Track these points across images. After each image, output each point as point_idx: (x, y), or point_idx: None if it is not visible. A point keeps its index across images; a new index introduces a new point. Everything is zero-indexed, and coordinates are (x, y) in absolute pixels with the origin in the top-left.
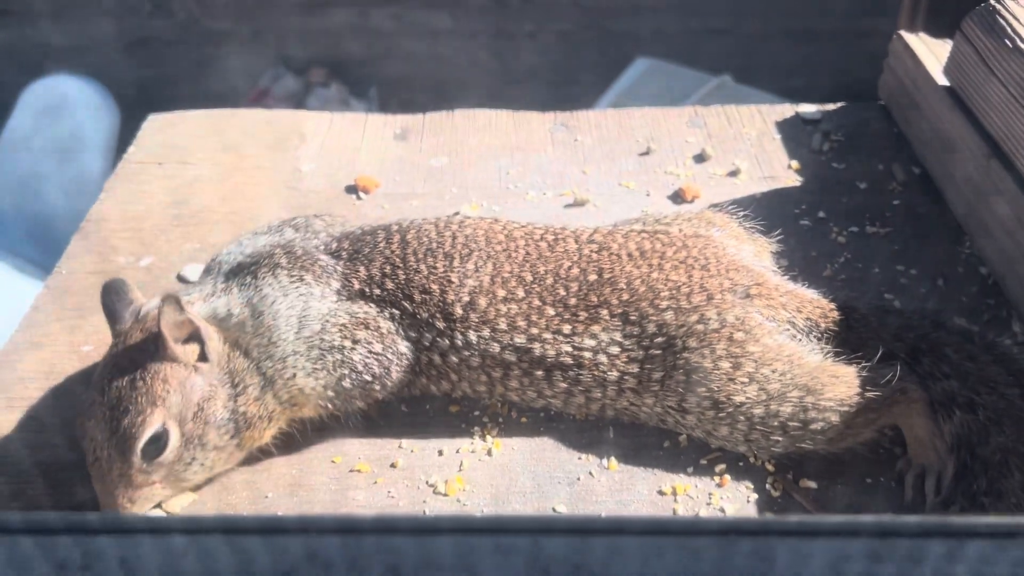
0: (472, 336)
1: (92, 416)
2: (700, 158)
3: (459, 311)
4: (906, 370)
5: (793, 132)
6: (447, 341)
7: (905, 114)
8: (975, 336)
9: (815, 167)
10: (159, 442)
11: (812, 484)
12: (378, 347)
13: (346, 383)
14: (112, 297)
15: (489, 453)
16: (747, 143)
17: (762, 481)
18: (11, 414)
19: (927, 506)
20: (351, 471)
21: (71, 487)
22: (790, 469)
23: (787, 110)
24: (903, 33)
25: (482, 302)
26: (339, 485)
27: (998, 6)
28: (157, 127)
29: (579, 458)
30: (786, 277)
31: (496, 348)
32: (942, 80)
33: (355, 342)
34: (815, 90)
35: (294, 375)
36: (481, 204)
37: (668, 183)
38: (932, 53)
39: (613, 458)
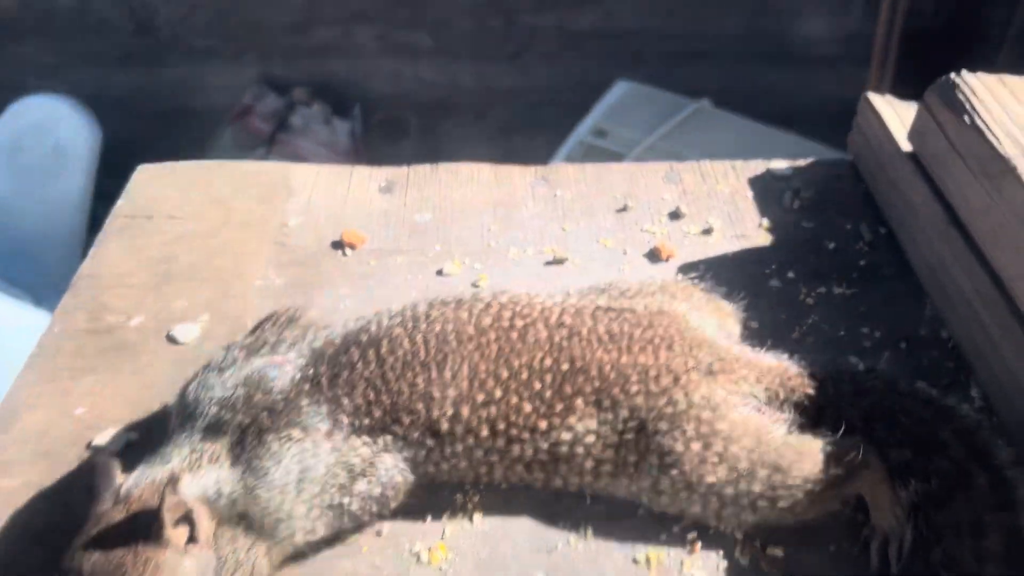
0: (459, 447)
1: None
2: (675, 215)
3: (445, 426)
4: (865, 440)
5: (765, 189)
6: (437, 454)
7: (872, 173)
8: (928, 397)
9: (785, 226)
10: None
11: (779, 552)
12: (377, 491)
13: (345, 523)
14: (99, 478)
15: (471, 520)
16: (720, 200)
17: (731, 549)
18: (3, 479)
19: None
20: (338, 541)
21: (64, 553)
22: (758, 537)
23: (759, 166)
24: (870, 95)
25: (464, 411)
26: (325, 553)
27: (958, 80)
28: (146, 179)
29: (558, 525)
30: (748, 344)
31: (480, 453)
32: (906, 145)
33: (353, 495)
34: (793, 115)
35: (293, 535)
36: (463, 261)
37: (644, 241)
38: (898, 116)
39: (590, 525)
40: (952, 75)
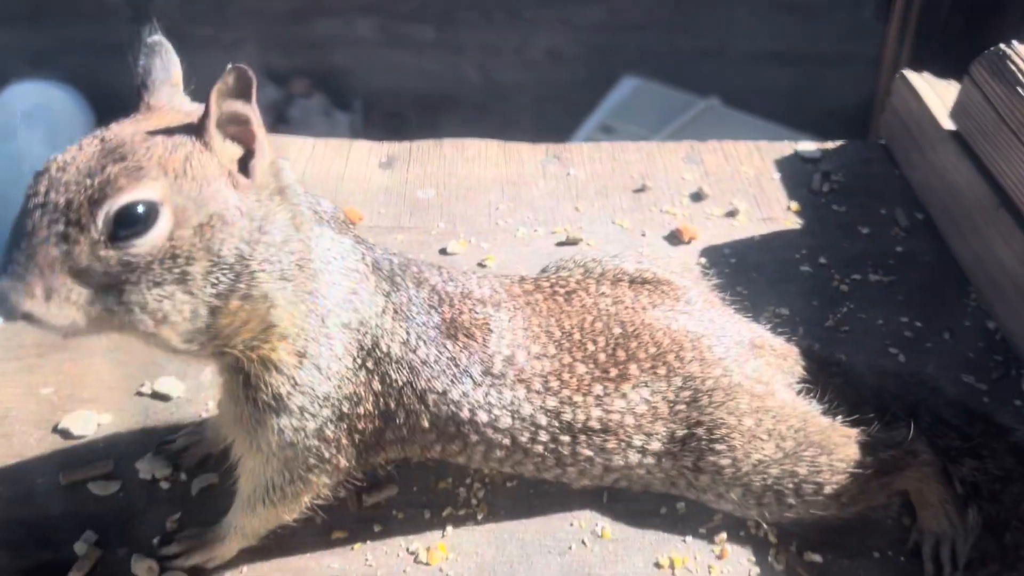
0: (507, 395)
1: (73, 152)
2: (697, 196)
3: (499, 365)
4: (915, 432)
5: (792, 171)
6: (479, 396)
7: (908, 156)
8: (976, 412)
9: (815, 209)
10: (144, 220)
11: (817, 558)
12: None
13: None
14: (153, 59)
15: (475, 517)
16: (745, 182)
17: (764, 553)
18: None
19: None
20: (331, 536)
21: (27, 546)
22: (793, 541)
23: (786, 148)
24: (906, 73)
25: (520, 356)
26: (315, 549)
27: (1008, 50)
28: None
29: (570, 524)
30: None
31: (528, 409)
32: (948, 124)
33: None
34: (802, 115)
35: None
36: (469, 240)
37: (664, 222)
38: (937, 94)
39: (607, 525)
40: (1002, 45)
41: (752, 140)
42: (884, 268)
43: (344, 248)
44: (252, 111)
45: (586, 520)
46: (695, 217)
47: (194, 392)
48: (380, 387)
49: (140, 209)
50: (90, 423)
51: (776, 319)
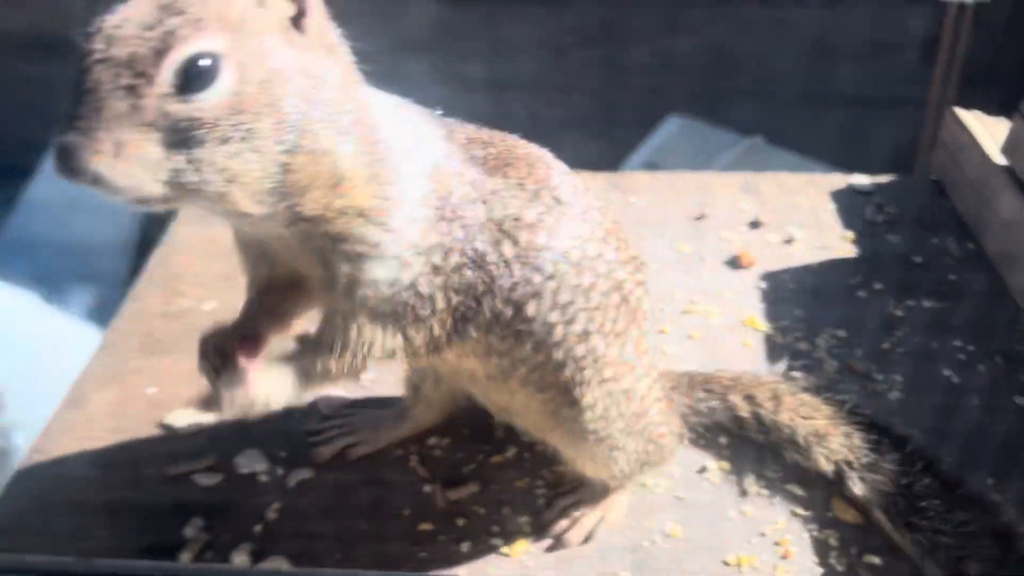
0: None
1: (125, 9)
2: (755, 224)
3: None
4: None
5: (846, 203)
6: (551, 218)
7: (959, 190)
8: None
9: (870, 239)
10: (209, 73)
11: (876, 560)
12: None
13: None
14: None
15: None
16: (801, 212)
17: (826, 555)
18: (78, 454)
19: None
20: (419, 528)
21: (136, 530)
22: (854, 544)
23: (839, 180)
24: (957, 110)
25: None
26: (405, 540)
27: None
28: None
29: (642, 523)
30: (837, 353)
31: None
32: (999, 159)
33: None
34: (846, 155)
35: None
36: None
37: (723, 249)
38: (987, 131)
39: (676, 524)
40: None
41: (806, 173)
42: (937, 295)
43: (396, 101)
44: None
45: (655, 520)
46: (753, 244)
47: None
48: (463, 234)
49: (205, 61)
50: (192, 420)
51: (834, 340)
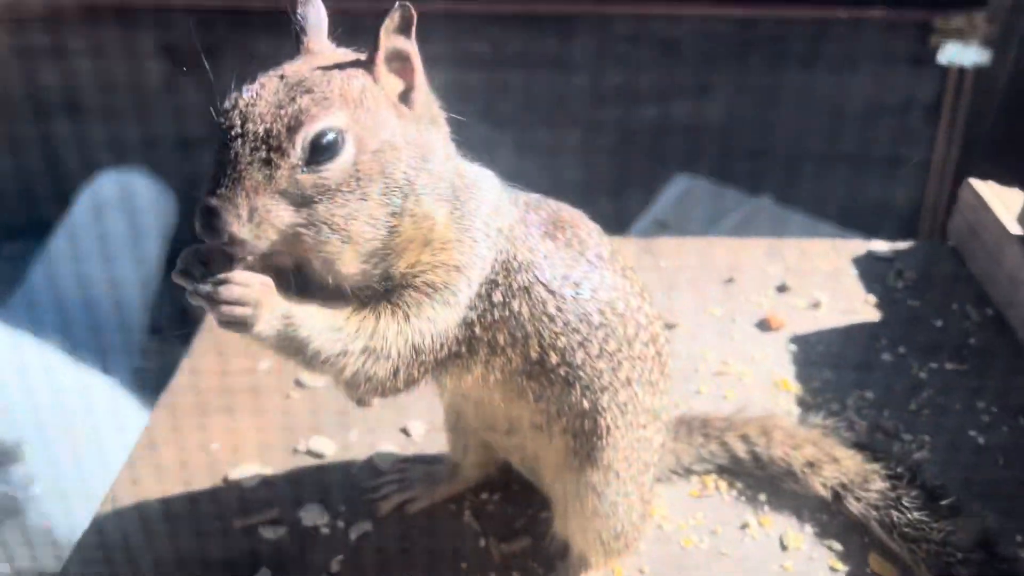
0: (610, 276)
1: (256, 88)
2: (781, 288)
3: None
4: None
5: (867, 268)
6: (596, 276)
7: (976, 258)
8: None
9: (891, 303)
10: (334, 146)
11: None
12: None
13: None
14: (308, 7)
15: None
16: (824, 276)
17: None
18: (147, 506)
19: None
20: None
21: None
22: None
23: (859, 247)
24: (973, 181)
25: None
26: None
27: None
28: None
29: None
30: (864, 413)
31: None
32: (1015, 229)
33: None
34: (852, 214)
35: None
36: None
37: (752, 311)
38: (1002, 201)
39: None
40: None
41: (827, 238)
42: (959, 358)
43: (483, 171)
44: (412, 47)
45: None
46: (781, 307)
47: (343, 451)
48: (520, 287)
49: (331, 136)
50: (255, 475)
51: (862, 402)
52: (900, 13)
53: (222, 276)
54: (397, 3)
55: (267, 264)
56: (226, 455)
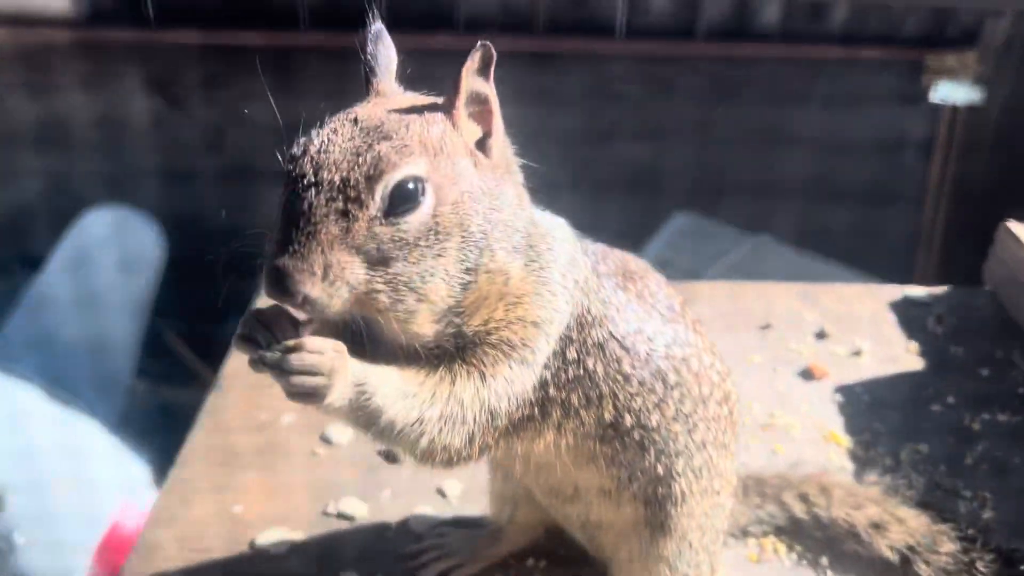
0: (683, 332)
1: (328, 134)
2: (820, 335)
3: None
4: None
5: (905, 313)
6: (670, 331)
7: (1018, 302)
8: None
9: (934, 351)
10: (414, 196)
11: None
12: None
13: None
14: (379, 46)
15: None
16: (863, 322)
17: None
18: None
19: None
20: None
21: None
22: None
23: (895, 291)
24: (1010, 224)
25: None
26: None
27: None
28: None
29: None
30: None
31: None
32: None
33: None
34: (848, 250)
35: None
36: None
37: (793, 359)
38: None
39: None
40: None
41: (861, 283)
42: (1011, 408)
43: (556, 219)
44: (491, 90)
45: None
46: (822, 355)
47: (376, 513)
48: (594, 343)
49: (411, 185)
50: (283, 540)
51: (916, 456)
52: (892, 52)
53: (292, 343)
54: (479, 43)
55: (327, 321)
56: (250, 518)
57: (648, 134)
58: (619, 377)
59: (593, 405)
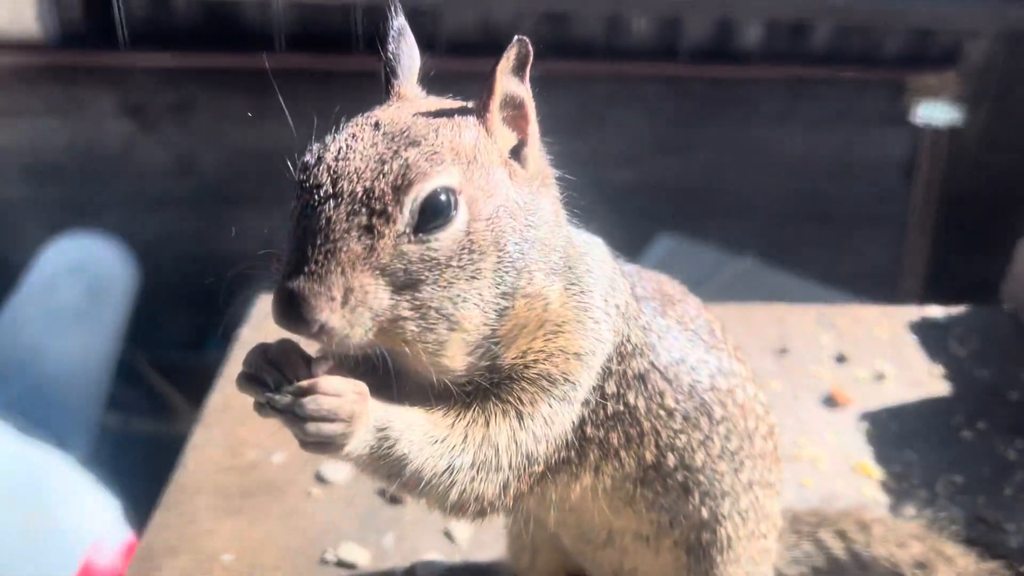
0: (727, 361)
1: (346, 139)
2: (840, 359)
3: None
4: None
5: (925, 335)
6: (713, 359)
7: None
8: None
9: (960, 374)
10: (447, 210)
11: None
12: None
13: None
14: (401, 44)
15: None
16: (882, 345)
17: None
18: None
19: None
20: None
21: None
22: None
23: (912, 312)
24: None
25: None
26: None
27: None
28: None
29: None
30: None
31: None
32: None
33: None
34: (833, 273)
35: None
36: None
37: (814, 386)
38: None
39: None
40: None
41: (876, 304)
42: None
43: (592, 238)
44: (527, 92)
45: None
46: (843, 380)
47: (379, 559)
48: (635, 374)
49: (443, 197)
50: None
51: (952, 487)
52: (874, 72)
53: (306, 384)
54: (516, 38)
55: (344, 355)
56: (242, 568)
57: (632, 155)
58: (662, 412)
59: (634, 444)
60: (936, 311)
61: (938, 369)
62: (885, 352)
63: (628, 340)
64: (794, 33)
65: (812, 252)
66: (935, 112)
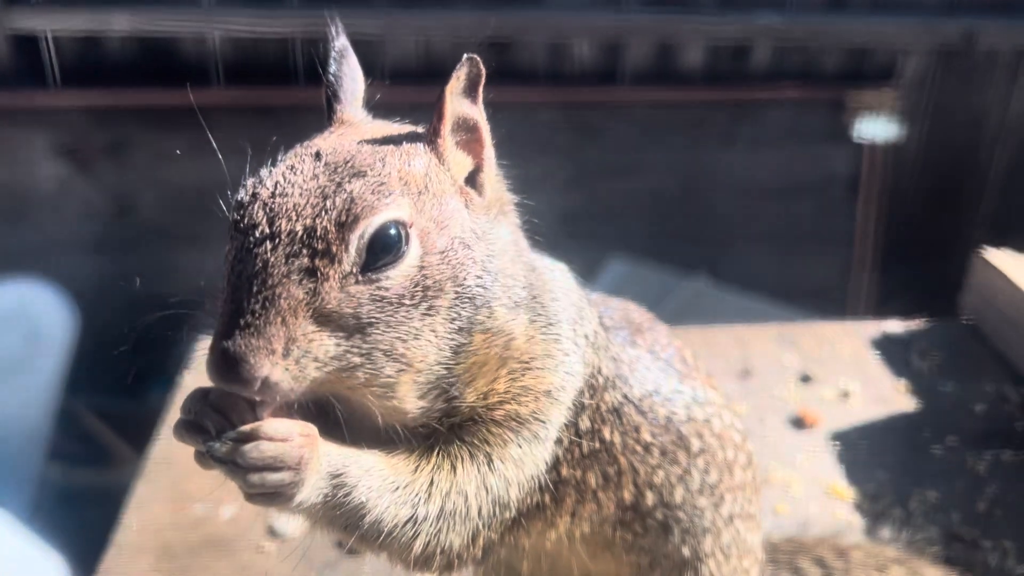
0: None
1: (284, 172)
2: (805, 379)
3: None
4: None
5: (887, 350)
6: (687, 389)
7: (1001, 333)
8: None
9: (924, 389)
10: (396, 245)
11: None
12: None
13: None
14: (343, 66)
15: None
16: (845, 362)
17: None
18: None
19: None
20: None
21: None
22: None
23: (873, 328)
24: (985, 252)
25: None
26: None
27: None
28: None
29: None
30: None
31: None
32: None
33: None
34: (783, 291)
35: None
36: None
37: (780, 407)
38: (1019, 269)
39: None
40: None
41: (837, 321)
42: (1013, 446)
43: (556, 264)
44: (481, 114)
45: None
46: (809, 400)
47: None
48: (607, 410)
49: (393, 231)
50: None
51: (926, 505)
52: (813, 91)
53: (247, 429)
54: (465, 56)
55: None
56: None
57: (578, 180)
58: (638, 448)
59: (612, 484)
60: (896, 326)
61: (903, 384)
62: (848, 369)
63: (599, 372)
64: (734, 55)
65: (762, 271)
66: (875, 128)
